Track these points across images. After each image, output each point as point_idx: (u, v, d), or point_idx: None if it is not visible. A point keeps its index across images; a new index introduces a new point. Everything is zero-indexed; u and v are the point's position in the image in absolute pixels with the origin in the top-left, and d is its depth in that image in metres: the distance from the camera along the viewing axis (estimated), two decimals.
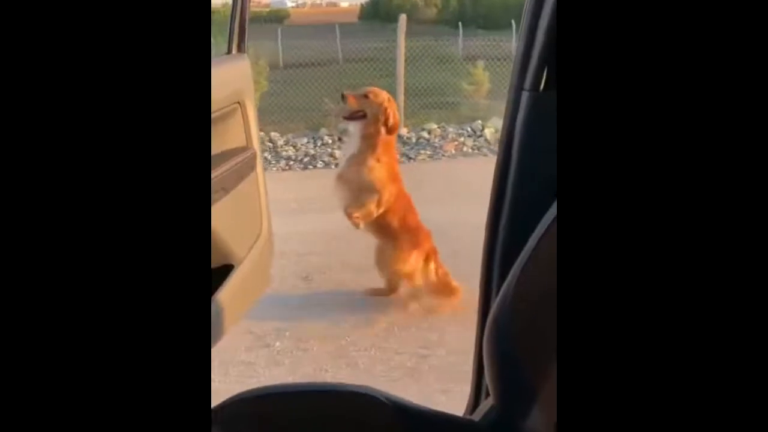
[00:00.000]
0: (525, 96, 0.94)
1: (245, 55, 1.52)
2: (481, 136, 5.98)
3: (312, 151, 5.65)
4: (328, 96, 5.95)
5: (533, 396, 0.74)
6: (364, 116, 2.64)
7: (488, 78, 7.30)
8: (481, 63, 7.61)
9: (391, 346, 2.42)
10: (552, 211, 0.73)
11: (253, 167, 1.52)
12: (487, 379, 0.80)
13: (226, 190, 1.36)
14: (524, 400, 0.75)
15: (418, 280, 2.68)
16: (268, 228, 1.62)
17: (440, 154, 5.59)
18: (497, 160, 1.01)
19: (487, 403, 0.83)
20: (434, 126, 6.12)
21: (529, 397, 0.74)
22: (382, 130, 2.61)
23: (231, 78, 1.45)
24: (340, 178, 2.72)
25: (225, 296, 1.37)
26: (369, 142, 2.63)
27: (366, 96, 2.65)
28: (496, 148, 6.21)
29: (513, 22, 8.55)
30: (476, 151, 5.66)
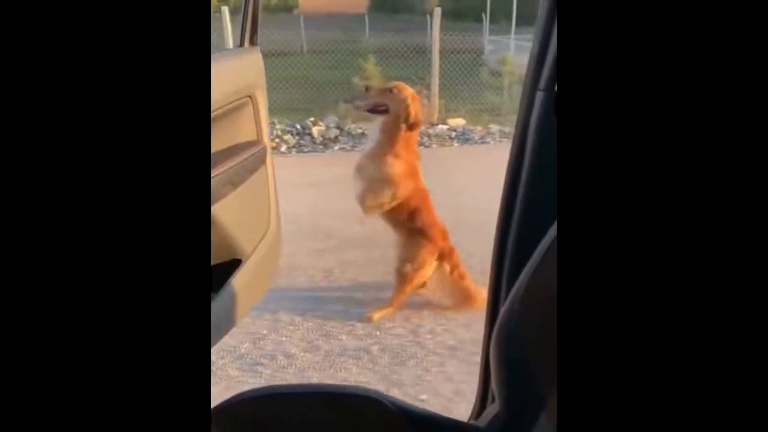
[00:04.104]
0: (539, 95, 0.95)
1: (257, 48, 1.51)
2: (308, 134, 5.92)
3: None
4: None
5: (540, 403, 0.73)
6: (386, 110, 2.62)
7: (380, 73, 7.10)
8: (372, 58, 7.35)
9: None
10: None
11: (263, 161, 1.52)
12: (494, 384, 0.79)
13: (235, 184, 1.36)
14: (531, 407, 0.74)
15: (425, 280, 2.64)
16: (276, 222, 1.63)
17: None
18: (509, 158, 1.00)
19: (492, 409, 0.82)
20: None
21: (536, 403, 0.73)
22: (403, 126, 2.59)
23: (243, 71, 1.44)
24: (359, 169, 2.70)
25: (233, 289, 1.38)
26: (389, 137, 2.61)
27: (390, 90, 2.63)
28: (319, 146, 5.59)
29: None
30: (291, 150, 5.61)
